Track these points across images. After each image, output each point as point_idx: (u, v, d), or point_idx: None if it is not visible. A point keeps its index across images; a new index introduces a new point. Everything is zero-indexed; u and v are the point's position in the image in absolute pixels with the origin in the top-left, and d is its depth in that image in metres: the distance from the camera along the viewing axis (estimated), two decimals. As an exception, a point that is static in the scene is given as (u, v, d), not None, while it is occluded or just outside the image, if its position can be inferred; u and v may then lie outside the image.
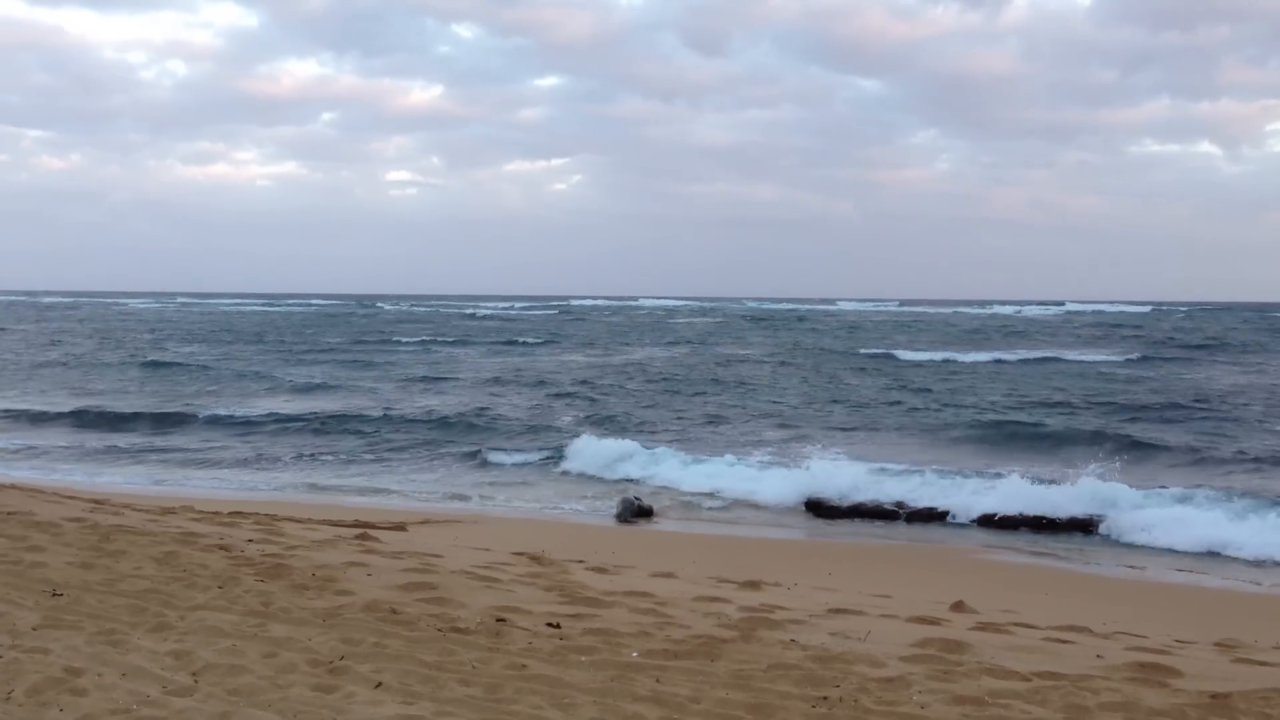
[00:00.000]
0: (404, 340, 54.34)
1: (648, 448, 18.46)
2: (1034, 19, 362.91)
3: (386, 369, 37.23)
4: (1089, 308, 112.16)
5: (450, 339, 56.03)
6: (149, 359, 39.20)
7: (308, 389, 30.56)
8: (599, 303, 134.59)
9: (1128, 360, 40.79)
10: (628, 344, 52.66)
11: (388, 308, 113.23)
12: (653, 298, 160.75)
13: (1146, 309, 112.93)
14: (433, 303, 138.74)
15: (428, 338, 56.66)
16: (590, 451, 18.24)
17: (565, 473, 17.73)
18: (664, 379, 33.01)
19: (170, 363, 37.99)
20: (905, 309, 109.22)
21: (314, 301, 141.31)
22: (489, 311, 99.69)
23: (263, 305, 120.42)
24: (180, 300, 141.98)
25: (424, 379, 33.70)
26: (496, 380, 32.77)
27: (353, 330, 64.50)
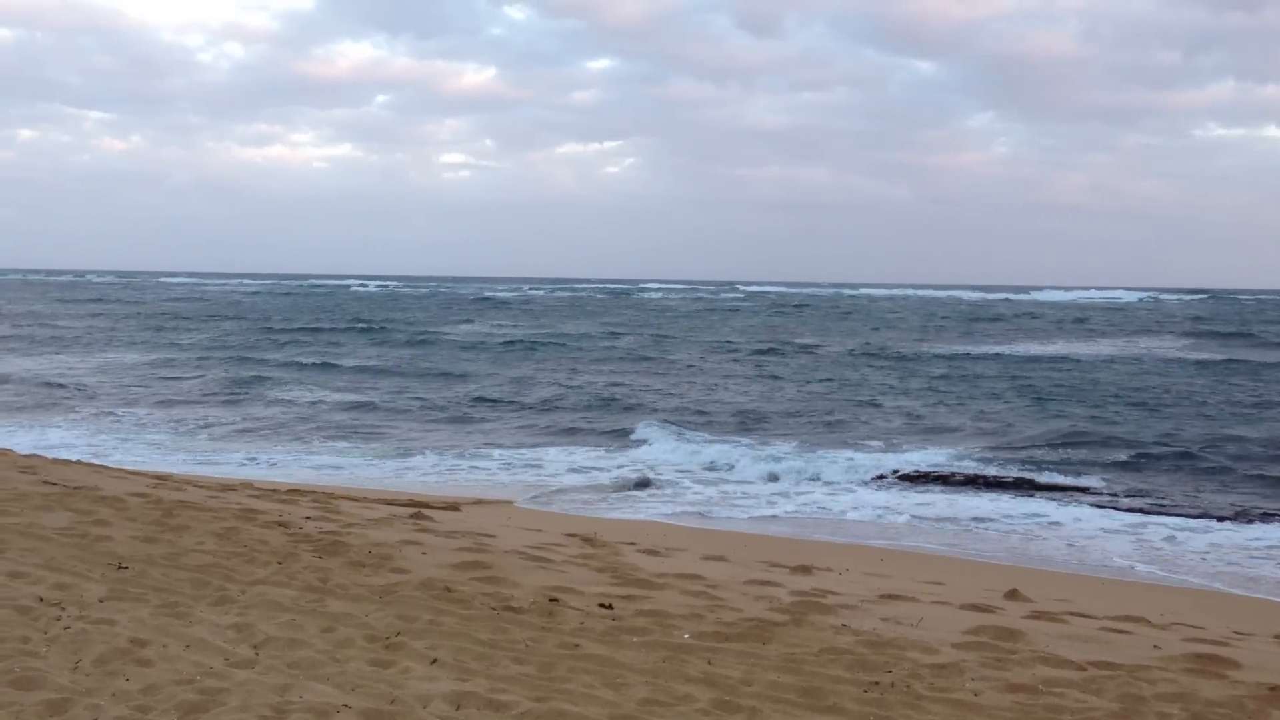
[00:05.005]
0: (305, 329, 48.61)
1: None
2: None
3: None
4: (1141, 294, 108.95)
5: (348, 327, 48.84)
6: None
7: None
8: (638, 287, 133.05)
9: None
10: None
11: (368, 288, 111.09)
12: (707, 282, 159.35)
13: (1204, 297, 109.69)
14: (475, 285, 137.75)
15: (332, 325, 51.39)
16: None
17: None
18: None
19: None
20: (983, 296, 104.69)
21: (314, 282, 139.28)
22: (505, 296, 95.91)
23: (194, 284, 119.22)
24: (161, 280, 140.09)
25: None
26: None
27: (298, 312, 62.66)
